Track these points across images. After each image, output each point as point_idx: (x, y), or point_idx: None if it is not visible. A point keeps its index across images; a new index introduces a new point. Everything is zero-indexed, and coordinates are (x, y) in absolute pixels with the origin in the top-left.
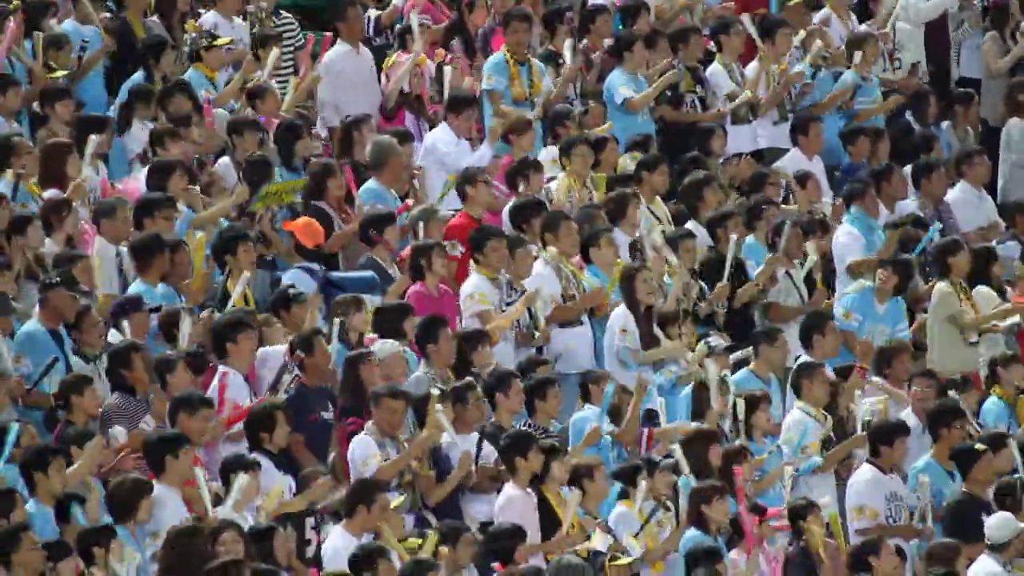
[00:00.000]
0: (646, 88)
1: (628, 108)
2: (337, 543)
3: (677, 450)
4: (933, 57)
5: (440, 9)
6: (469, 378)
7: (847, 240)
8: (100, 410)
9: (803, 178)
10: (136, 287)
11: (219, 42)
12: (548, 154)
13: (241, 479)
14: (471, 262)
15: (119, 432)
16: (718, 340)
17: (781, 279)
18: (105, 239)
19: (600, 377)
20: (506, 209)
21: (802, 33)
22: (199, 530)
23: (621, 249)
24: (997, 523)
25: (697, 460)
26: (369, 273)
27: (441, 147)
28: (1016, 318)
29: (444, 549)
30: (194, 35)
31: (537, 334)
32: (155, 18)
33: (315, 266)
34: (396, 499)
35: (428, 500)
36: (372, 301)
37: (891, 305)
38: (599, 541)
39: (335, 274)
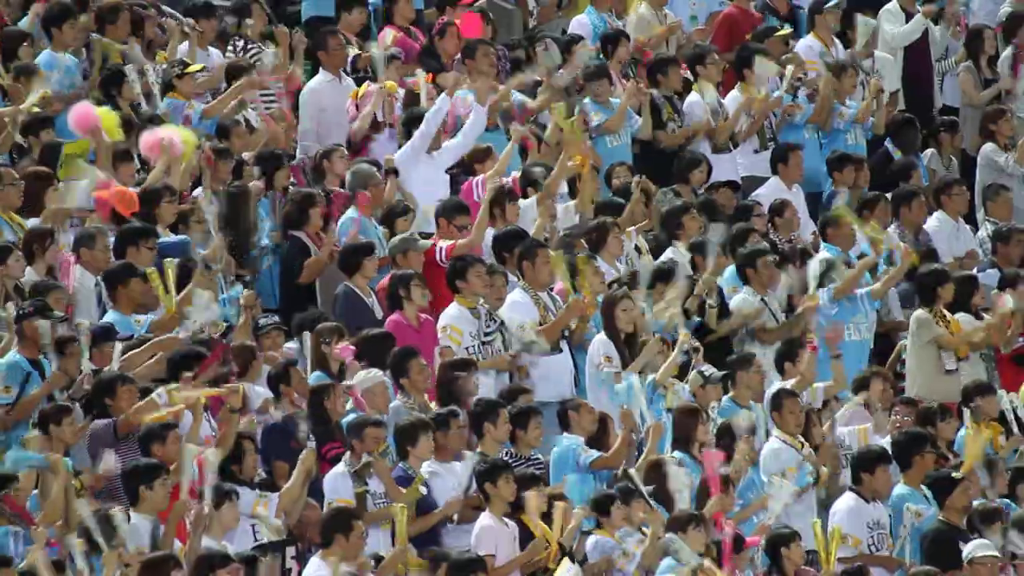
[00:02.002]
0: (615, 115)
1: (603, 131)
2: (315, 573)
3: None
4: (916, 85)
5: (416, 39)
6: (452, 406)
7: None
8: (88, 433)
9: (780, 207)
10: (110, 317)
11: (190, 69)
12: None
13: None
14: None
15: (110, 460)
16: (710, 368)
17: (757, 306)
18: (84, 268)
19: (578, 405)
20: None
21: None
22: (171, 558)
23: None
24: (977, 546)
25: (659, 487)
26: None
27: (402, 169)
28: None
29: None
30: (165, 66)
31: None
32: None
33: None
34: None
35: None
36: None
37: (855, 298)
38: (565, 571)
39: None
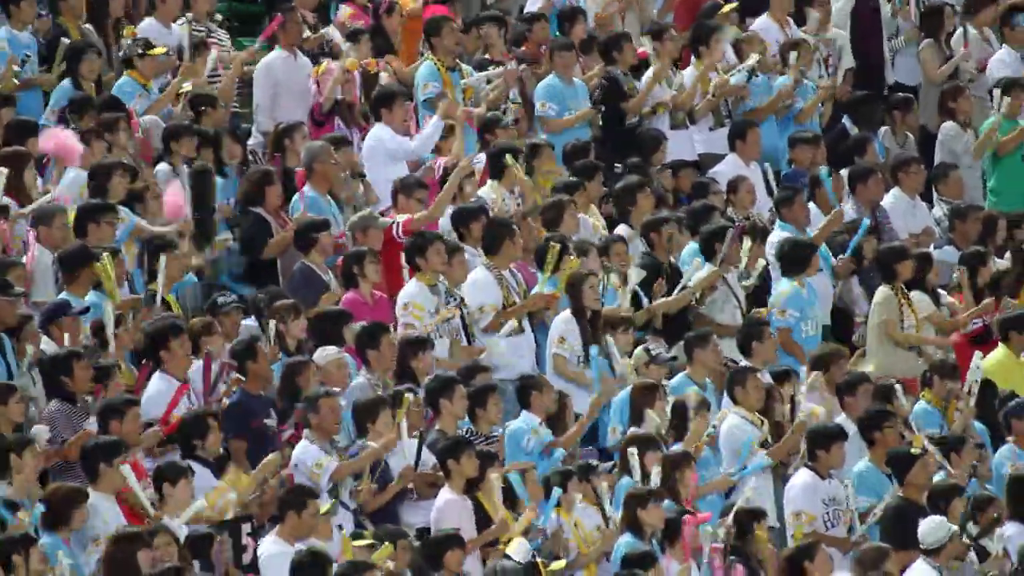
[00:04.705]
0: (576, 97)
1: (544, 128)
2: (270, 550)
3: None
4: (867, 63)
5: (370, 14)
6: (408, 383)
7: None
8: (43, 415)
9: (735, 184)
10: (62, 298)
11: (153, 51)
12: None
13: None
14: (411, 270)
15: (42, 431)
16: (658, 347)
17: (718, 285)
18: (42, 246)
19: (540, 384)
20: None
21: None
22: (139, 536)
23: None
24: (930, 527)
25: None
26: None
27: (387, 142)
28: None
29: (388, 555)
30: (129, 42)
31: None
32: (88, 25)
33: None
34: (325, 504)
35: (366, 507)
36: None
37: (809, 287)
38: (516, 548)
39: None
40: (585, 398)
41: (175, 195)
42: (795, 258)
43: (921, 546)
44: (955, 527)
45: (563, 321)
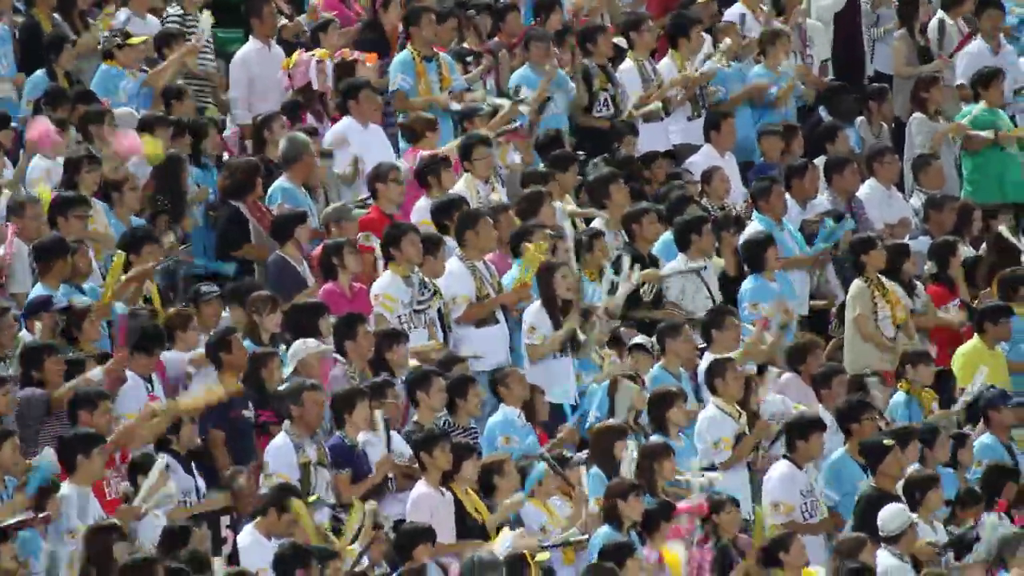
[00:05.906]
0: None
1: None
2: (246, 540)
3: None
4: (847, 53)
5: (351, 7)
6: (386, 375)
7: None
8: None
9: (709, 174)
10: (36, 290)
11: (132, 41)
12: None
13: (153, 472)
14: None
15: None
16: (628, 336)
17: (690, 277)
18: (16, 237)
19: (506, 375)
20: (426, 206)
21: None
22: (115, 527)
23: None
24: (889, 515)
25: (603, 456)
26: None
27: (348, 135)
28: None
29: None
30: (107, 34)
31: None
32: (57, 15)
33: None
34: (312, 496)
35: (342, 498)
36: None
37: (780, 277)
38: (501, 541)
39: None
40: (562, 384)
41: (131, 137)
42: (753, 256)
43: (881, 534)
44: (914, 515)
45: (533, 312)
